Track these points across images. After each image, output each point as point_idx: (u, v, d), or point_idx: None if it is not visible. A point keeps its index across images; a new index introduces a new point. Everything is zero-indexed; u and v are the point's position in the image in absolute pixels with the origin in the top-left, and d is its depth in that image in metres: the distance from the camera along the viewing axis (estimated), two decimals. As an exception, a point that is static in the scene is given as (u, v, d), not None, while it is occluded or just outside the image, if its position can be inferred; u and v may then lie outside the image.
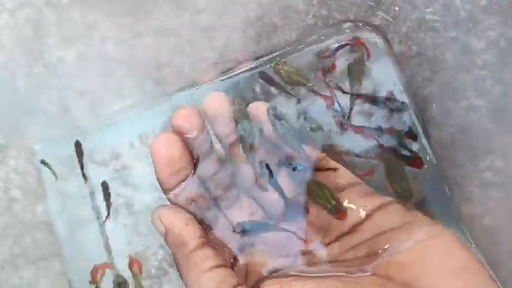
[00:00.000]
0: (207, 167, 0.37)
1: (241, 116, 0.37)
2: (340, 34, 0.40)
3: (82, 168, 0.41)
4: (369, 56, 0.39)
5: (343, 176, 0.37)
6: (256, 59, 0.41)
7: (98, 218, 0.41)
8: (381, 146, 0.38)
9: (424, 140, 0.38)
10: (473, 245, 0.36)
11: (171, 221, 0.35)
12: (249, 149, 0.37)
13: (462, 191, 0.38)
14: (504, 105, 0.38)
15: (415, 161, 0.37)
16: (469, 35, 0.39)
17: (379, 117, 0.38)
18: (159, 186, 0.37)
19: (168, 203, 0.37)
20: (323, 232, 0.36)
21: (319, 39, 0.40)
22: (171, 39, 0.42)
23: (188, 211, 0.36)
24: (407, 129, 0.38)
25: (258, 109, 0.38)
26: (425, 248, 0.32)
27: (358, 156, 0.38)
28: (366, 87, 0.39)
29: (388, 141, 0.38)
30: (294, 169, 0.37)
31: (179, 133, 0.36)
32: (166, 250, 0.40)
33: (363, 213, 0.34)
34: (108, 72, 0.43)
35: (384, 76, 0.39)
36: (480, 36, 0.39)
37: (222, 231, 0.37)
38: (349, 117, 0.39)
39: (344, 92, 0.39)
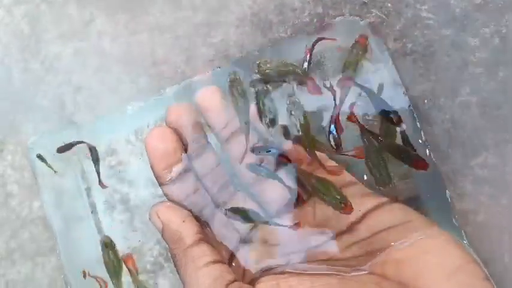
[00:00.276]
0: (203, 163, 0.38)
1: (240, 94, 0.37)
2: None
3: (99, 174, 0.41)
4: (368, 53, 0.39)
5: (341, 175, 0.37)
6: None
7: (92, 212, 0.41)
8: (362, 130, 0.38)
9: (422, 136, 0.38)
10: (466, 241, 0.36)
11: (168, 217, 0.35)
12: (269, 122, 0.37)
13: (455, 187, 0.38)
14: (498, 103, 0.38)
15: (419, 162, 0.36)
16: (464, 33, 0.39)
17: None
18: (155, 181, 0.37)
19: (165, 198, 0.37)
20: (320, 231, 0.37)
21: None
22: (167, 36, 0.42)
23: (184, 206, 0.36)
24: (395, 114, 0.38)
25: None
26: (421, 247, 0.32)
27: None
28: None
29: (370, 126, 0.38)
30: (267, 152, 0.37)
31: (173, 128, 0.37)
32: (162, 245, 0.40)
33: (359, 213, 0.35)
34: (105, 68, 0.43)
35: (380, 73, 0.39)
36: (474, 33, 0.39)
37: (219, 227, 0.37)
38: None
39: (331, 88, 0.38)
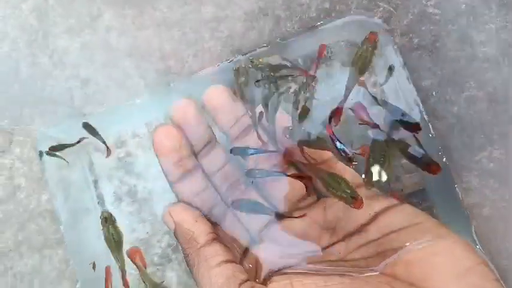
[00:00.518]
0: (211, 161, 0.38)
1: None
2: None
3: (104, 142, 0.41)
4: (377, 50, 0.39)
5: (352, 177, 0.37)
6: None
7: (99, 203, 0.41)
8: (376, 126, 0.38)
9: (431, 130, 0.39)
10: (474, 234, 0.37)
11: (181, 217, 0.36)
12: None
13: (461, 181, 0.38)
14: (503, 97, 0.39)
15: (432, 166, 0.36)
16: (470, 28, 0.39)
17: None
18: (163, 174, 0.37)
19: (174, 195, 0.37)
20: (330, 232, 0.37)
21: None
22: (174, 30, 0.43)
23: (194, 205, 0.36)
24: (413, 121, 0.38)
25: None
26: (431, 249, 0.32)
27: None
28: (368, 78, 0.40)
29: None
30: (246, 153, 0.37)
31: (178, 125, 0.37)
32: (171, 237, 0.40)
33: (370, 214, 0.35)
34: (113, 62, 0.43)
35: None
36: (480, 29, 0.39)
37: (229, 227, 0.37)
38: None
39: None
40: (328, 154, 0.37)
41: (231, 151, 0.37)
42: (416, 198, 0.39)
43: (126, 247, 0.40)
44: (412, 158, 0.37)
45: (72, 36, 0.44)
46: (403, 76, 0.39)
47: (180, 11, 0.43)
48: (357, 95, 0.39)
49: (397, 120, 0.38)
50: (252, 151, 0.37)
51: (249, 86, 0.38)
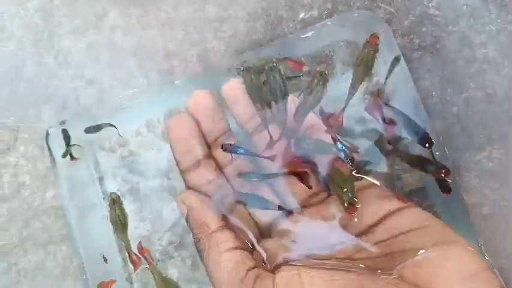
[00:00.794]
0: (225, 153, 0.38)
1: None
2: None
3: (68, 145, 0.41)
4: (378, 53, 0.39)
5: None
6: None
7: (104, 198, 0.42)
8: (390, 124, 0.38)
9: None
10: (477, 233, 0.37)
11: (193, 203, 0.36)
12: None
13: (461, 180, 0.39)
14: (503, 98, 0.39)
15: (442, 170, 0.36)
16: (470, 29, 0.40)
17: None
18: (164, 173, 0.38)
19: (174, 191, 0.38)
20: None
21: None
22: (178, 30, 0.43)
23: (204, 194, 0.37)
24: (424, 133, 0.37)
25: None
26: (438, 252, 0.32)
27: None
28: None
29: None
30: (235, 151, 0.38)
31: (193, 115, 0.38)
32: (172, 234, 0.41)
33: (379, 215, 0.35)
34: (117, 62, 0.43)
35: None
36: (481, 30, 0.40)
37: (239, 218, 0.38)
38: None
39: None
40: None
41: (222, 147, 0.38)
42: (417, 197, 0.39)
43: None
44: (420, 165, 0.37)
45: (77, 36, 0.44)
46: (403, 76, 0.40)
47: (184, 10, 0.43)
48: (359, 102, 0.39)
49: (409, 133, 0.38)
50: (241, 150, 0.37)
51: (257, 86, 0.38)
